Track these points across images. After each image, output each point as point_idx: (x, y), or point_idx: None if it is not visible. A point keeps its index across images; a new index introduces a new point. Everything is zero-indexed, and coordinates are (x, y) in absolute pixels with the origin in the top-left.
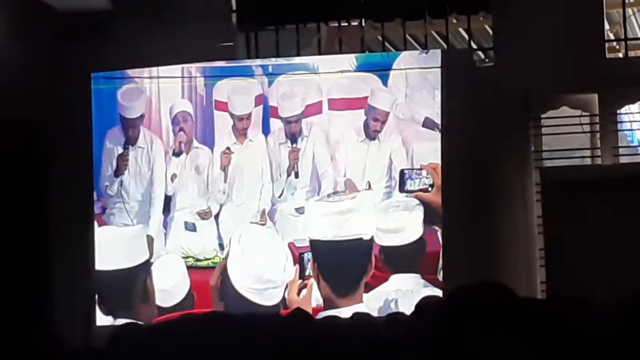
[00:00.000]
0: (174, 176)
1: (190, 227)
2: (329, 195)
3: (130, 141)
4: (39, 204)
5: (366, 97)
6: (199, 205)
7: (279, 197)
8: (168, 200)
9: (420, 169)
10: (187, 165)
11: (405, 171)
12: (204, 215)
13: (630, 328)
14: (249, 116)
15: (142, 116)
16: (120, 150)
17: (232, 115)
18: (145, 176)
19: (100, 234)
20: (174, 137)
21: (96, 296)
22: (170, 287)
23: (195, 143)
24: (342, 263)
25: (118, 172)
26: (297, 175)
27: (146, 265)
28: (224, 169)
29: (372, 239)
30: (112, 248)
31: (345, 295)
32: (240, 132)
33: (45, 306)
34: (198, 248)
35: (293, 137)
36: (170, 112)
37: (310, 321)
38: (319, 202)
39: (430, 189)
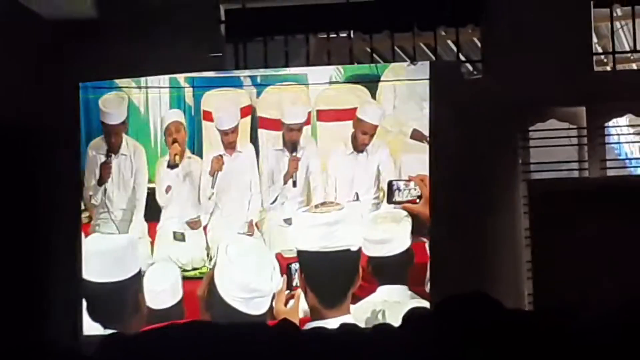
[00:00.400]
0: (168, 188)
1: (179, 237)
2: (316, 206)
3: (112, 149)
4: (26, 213)
5: (354, 109)
6: (189, 214)
7: (272, 203)
8: (158, 210)
9: (409, 180)
10: (179, 175)
11: (393, 182)
12: (193, 224)
13: (618, 339)
14: (234, 129)
15: (123, 123)
16: (102, 158)
17: (218, 130)
18: (129, 184)
19: (90, 243)
20: (168, 150)
21: (85, 306)
22: (161, 292)
23: (188, 153)
24: (330, 274)
25: (101, 181)
26: (294, 184)
27: (137, 277)
28: (214, 174)
29: (359, 250)
30: (103, 259)
31: (332, 306)
32: (227, 145)
33: (32, 315)
34: (186, 258)
35: (293, 146)
36: (162, 123)
37: (297, 332)
38: (306, 213)
39: (418, 200)
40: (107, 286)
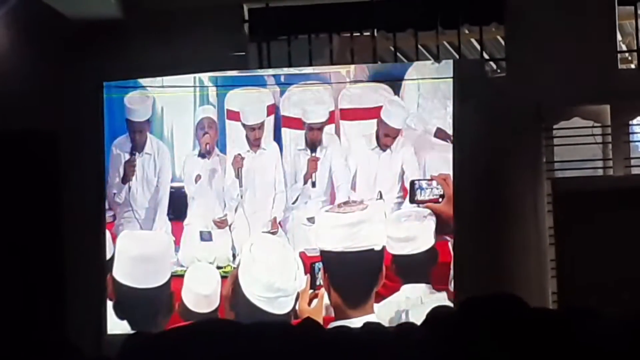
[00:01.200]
0: (198, 177)
1: (206, 237)
2: (339, 205)
3: (137, 147)
4: (51, 213)
5: (378, 107)
6: (216, 213)
7: (293, 203)
8: (185, 205)
9: (431, 180)
10: (208, 170)
11: (416, 182)
12: (220, 223)
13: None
14: (261, 125)
15: (148, 121)
16: (127, 157)
17: (244, 125)
18: (152, 183)
19: (120, 243)
20: (199, 140)
21: (113, 305)
22: (204, 294)
23: (216, 150)
24: (353, 274)
25: (125, 179)
26: (314, 185)
27: (168, 284)
28: (238, 174)
29: (383, 249)
30: (134, 262)
31: (356, 305)
32: (252, 142)
33: (56, 314)
34: (211, 257)
35: (313, 146)
36: (195, 118)
37: (320, 331)
38: (329, 213)
39: (440, 199)
40: (138, 292)
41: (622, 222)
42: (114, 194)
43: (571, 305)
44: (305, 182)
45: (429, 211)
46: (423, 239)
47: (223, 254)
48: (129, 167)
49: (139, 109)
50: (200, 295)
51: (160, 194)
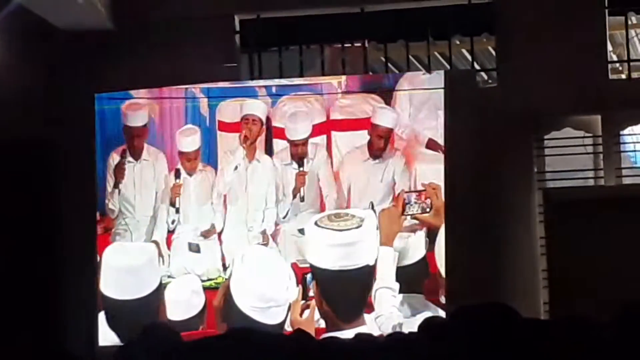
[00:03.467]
0: (237, 167)
1: (194, 248)
2: (329, 218)
3: (134, 154)
4: (44, 224)
5: (369, 118)
6: (203, 225)
7: (284, 218)
8: (173, 218)
9: (420, 192)
10: (192, 184)
11: (404, 195)
12: (206, 234)
13: (634, 347)
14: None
15: (145, 126)
16: (121, 162)
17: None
18: (151, 191)
19: (109, 255)
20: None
21: (105, 318)
22: (183, 302)
23: (200, 165)
24: (345, 289)
25: (117, 184)
26: (302, 199)
27: (158, 293)
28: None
29: (375, 262)
30: (122, 274)
31: (347, 317)
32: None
33: (48, 325)
34: (201, 269)
35: (300, 160)
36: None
37: (311, 342)
38: (322, 228)
39: (428, 210)
40: (127, 303)
41: (613, 231)
42: (106, 203)
43: (563, 314)
44: (294, 197)
45: (418, 222)
46: (414, 250)
47: (213, 266)
48: (119, 170)
49: (137, 115)
50: (180, 303)
51: (159, 203)
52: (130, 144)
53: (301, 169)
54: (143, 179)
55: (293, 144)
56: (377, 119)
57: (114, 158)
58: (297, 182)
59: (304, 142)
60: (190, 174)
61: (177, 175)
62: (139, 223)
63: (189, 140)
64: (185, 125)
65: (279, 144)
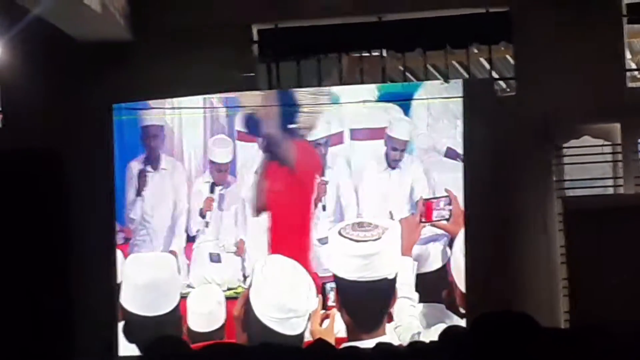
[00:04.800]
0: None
1: (215, 259)
2: (352, 227)
3: (152, 164)
4: (62, 235)
5: (386, 127)
6: (225, 236)
7: None
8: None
9: (439, 199)
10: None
11: (423, 202)
12: (234, 248)
13: None
14: None
15: (162, 127)
16: (144, 169)
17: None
18: (169, 200)
19: (129, 266)
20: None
21: (123, 332)
22: (206, 314)
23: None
24: (366, 300)
25: (139, 193)
26: (324, 208)
27: (177, 311)
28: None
29: (396, 276)
30: (143, 290)
31: (368, 327)
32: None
33: (68, 335)
34: (221, 278)
35: (321, 169)
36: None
37: (332, 351)
38: (343, 238)
39: (449, 218)
40: (147, 319)
41: (633, 240)
42: (129, 212)
43: (583, 324)
44: (315, 206)
45: (439, 231)
46: (433, 258)
47: (233, 276)
48: (142, 180)
49: (155, 123)
50: (203, 315)
51: (178, 213)
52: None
53: (322, 178)
54: (162, 188)
55: (217, 169)
56: (391, 131)
57: (134, 167)
58: (319, 192)
59: (226, 168)
60: (218, 185)
61: (212, 189)
62: (157, 233)
63: (223, 151)
64: (217, 135)
65: None
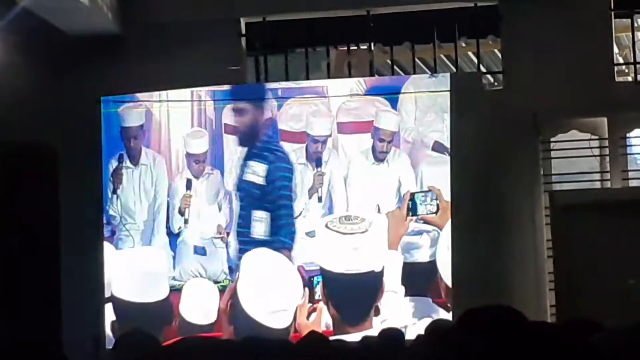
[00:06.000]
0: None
1: (200, 251)
2: (340, 220)
3: (132, 159)
4: (49, 227)
5: (372, 121)
6: (209, 228)
7: (296, 217)
8: (180, 225)
9: (426, 192)
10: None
11: (410, 196)
12: (218, 234)
13: None
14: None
15: (142, 127)
16: (120, 167)
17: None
18: (150, 194)
19: (119, 259)
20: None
21: (113, 321)
22: (199, 309)
23: (208, 168)
24: (352, 293)
25: (115, 189)
26: (320, 200)
27: (167, 300)
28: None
29: (383, 270)
30: (135, 278)
31: (355, 320)
32: None
33: (55, 328)
34: (207, 272)
35: (318, 160)
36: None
37: (326, 344)
38: (332, 232)
39: (436, 212)
40: (138, 306)
41: (620, 234)
42: (109, 207)
43: (569, 317)
44: (310, 197)
45: (426, 224)
46: (421, 251)
47: (219, 269)
48: (117, 176)
49: (132, 116)
50: (200, 307)
51: (157, 206)
52: (127, 146)
53: (319, 168)
54: (142, 182)
55: (313, 140)
56: (378, 123)
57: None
58: (315, 183)
59: (324, 140)
60: (197, 177)
61: (189, 186)
62: (138, 228)
63: (198, 142)
64: (193, 128)
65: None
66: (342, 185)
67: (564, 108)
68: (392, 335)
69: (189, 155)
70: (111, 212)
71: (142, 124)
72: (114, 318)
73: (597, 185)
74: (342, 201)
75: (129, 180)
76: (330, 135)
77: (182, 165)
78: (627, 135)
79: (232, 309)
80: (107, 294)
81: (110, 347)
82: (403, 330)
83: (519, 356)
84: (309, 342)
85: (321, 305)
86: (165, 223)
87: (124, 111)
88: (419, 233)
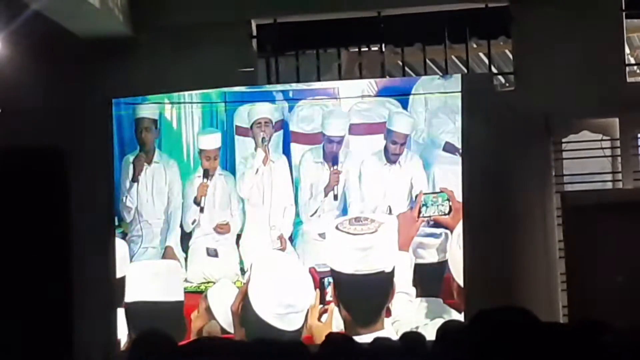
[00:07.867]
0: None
1: (212, 253)
2: (350, 222)
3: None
4: (61, 229)
5: (385, 122)
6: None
7: (312, 215)
8: (188, 225)
9: (437, 194)
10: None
11: (423, 197)
12: (220, 229)
13: None
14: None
15: (155, 123)
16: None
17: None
18: (163, 193)
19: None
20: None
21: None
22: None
23: (219, 170)
24: (363, 294)
25: (135, 178)
26: (335, 197)
27: (180, 304)
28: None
29: (393, 270)
30: (148, 280)
31: (366, 322)
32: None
33: (68, 329)
34: (219, 273)
35: (335, 159)
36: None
37: (350, 343)
38: (341, 232)
39: (448, 213)
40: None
41: (632, 234)
42: (124, 205)
43: (581, 318)
44: (326, 195)
45: (438, 225)
46: (432, 252)
47: (231, 270)
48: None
49: (147, 114)
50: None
51: (173, 206)
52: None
53: (335, 167)
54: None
55: (328, 140)
56: (390, 125)
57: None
58: (331, 181)
59: (340, 140)
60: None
61: (206, 175)
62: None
63: (210, 138)
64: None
65: (296, 147)
66: (357, 185)
67: (576, 109)
68: (414, 339)
69: (201, 152)
70: (128, 204)
71: (155, 120)
72: (127, 320)
73: (609, 185)
74: (357, 201)
75: (145, 176)
76: (344, 136)
77: (194, 164)
78: (639, 135)
79: (244, 311)
80: (121, 296)
81: (125, 347)
82: (424, 334)
83: (531, 357)
84: (332, 342)
85: (332, 306)
86: (179, 222)
87: (140, 108)
88: (431, 234)
